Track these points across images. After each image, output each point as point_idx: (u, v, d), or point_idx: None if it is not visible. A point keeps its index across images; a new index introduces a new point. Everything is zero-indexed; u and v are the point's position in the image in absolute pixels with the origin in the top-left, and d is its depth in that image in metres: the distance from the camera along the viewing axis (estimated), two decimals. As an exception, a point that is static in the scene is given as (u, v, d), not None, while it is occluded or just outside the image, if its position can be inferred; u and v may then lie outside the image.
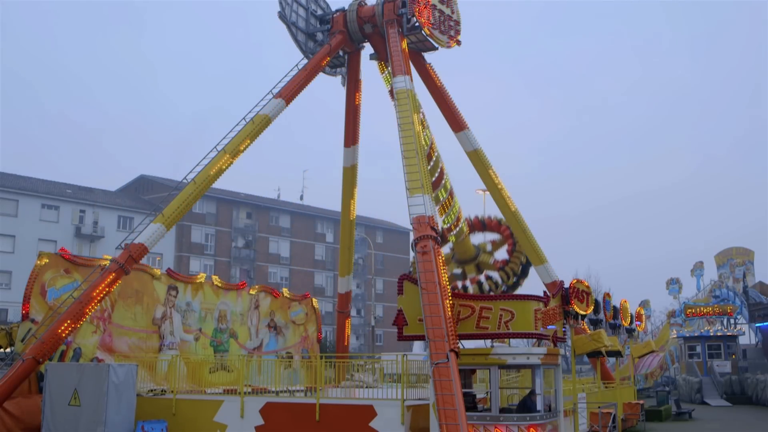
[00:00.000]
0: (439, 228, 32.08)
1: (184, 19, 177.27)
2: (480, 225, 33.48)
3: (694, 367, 46.84)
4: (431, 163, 28.29)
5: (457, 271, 33.59)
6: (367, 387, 23.04)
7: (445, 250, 33.84)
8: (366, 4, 27.12)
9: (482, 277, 32.90)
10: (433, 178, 28.83)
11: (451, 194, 30.32)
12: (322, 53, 26.04)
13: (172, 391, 19.94)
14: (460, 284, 33.38)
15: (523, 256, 31.94)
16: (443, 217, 30.73)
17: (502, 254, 33.41)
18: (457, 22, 27.42)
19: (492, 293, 32.21)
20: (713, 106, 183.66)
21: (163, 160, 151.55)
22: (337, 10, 27.40)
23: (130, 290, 22.81)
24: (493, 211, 33.10)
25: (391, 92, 25.75)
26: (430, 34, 26.05)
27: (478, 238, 33.91)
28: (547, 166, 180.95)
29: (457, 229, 31.55)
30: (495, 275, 32.96)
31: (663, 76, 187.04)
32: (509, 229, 32.04)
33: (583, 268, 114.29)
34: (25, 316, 19.82)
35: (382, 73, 28.32)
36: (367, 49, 28.45)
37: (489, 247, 33.79)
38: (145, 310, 23.33)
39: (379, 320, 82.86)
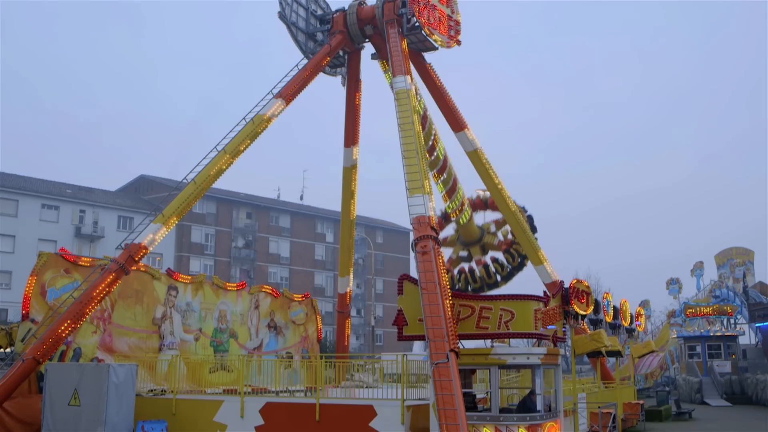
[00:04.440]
0: (445, 211, 32.24)
1: (183, 17, 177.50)
2: (482, 204, 32.97)
3: (694, 367, 46.82)
4: (434, 153, 28.26)
5: (463, 253, 33.29)
6: (367, 387, 23.03)
7: (450, 231, 33.73)
8: (366, 4, 27.14)
9: (488, 259, 32.61)
10: (439, 165, 28.82)
11: (455, 180, 30.23)
12: (322, 53, 26.06)
13: (172, 391, 19.97)
14: (466, 266, 33.00)
15: None
16: (448, 202, 30.64)
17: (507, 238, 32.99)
18: (458, 22, 27.44)
19: (499, 276, 32.01)
20: (713, 105, 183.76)
21: (163, 160, 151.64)
22: (337, 10, 27.43)
23: (130, 290, 22.81)
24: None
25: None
26: (430, 34, 26.06)
27: (480, 219, 33.40)
28: (547, 165, 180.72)
29: (462, 213, 31.41)
30: (501, 257, 32.66)
31: (663, 76, 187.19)
32: None
33: (583, 268, 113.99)
34: (25, 316, 19.84)
35: (385, 72, 28.33)
36: (368, 49, 28.50)
37: (493, 228, 33.40)
38: (145, 310, 23.34)
39: (379, 320, 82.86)
